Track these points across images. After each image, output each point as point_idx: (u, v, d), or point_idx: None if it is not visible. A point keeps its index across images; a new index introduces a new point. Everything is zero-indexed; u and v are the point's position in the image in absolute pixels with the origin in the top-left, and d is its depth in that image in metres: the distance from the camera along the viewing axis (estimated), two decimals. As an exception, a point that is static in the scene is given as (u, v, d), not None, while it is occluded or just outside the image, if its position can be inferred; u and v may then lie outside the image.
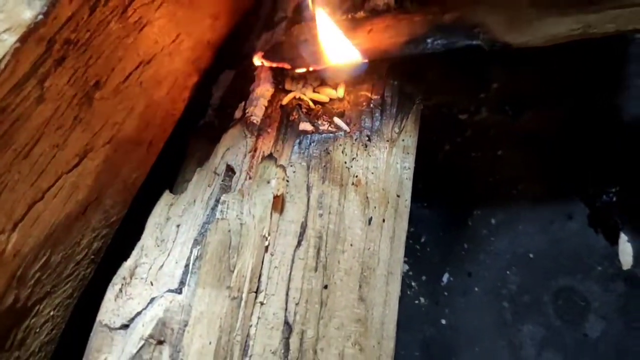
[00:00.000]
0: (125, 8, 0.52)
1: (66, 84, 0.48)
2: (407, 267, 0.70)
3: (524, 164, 0.76)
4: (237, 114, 0.61)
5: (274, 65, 0.61)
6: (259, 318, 0.49)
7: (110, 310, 0.50)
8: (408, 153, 0.60)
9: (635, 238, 0.70)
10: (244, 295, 0.49)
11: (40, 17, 0.43)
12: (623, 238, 0.71)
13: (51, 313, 0.53)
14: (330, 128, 0.58)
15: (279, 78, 0.63)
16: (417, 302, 0.68)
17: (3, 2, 0.42)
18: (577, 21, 0.57)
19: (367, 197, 0.55)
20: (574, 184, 0.74)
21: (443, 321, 0.68)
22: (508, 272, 0.70)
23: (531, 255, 0.71)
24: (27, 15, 0.43)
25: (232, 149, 0.57)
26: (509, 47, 0.58)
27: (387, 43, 0.61)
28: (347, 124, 0.58)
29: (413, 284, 0.69)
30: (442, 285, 0.69)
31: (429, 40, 0.59)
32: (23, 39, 0.43)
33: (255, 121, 0.58)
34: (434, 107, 0.77)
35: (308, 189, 0.54)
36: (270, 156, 0.55)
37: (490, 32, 0.58)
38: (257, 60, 0.62)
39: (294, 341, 0.49)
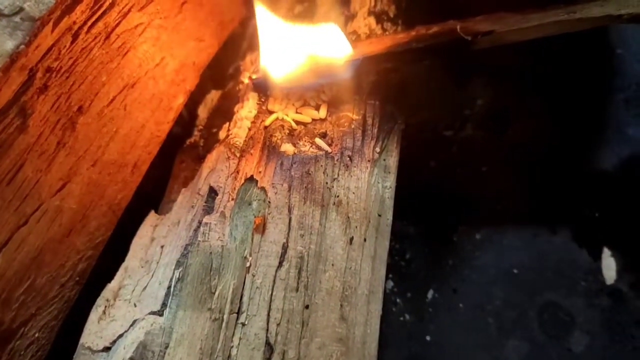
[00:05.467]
0: (109, 34, 0.53)
1: (49, 110, 0.49)
2: (392, 283, 0.71)
3: (508, 180, 0.76)
4: (222, 134, 0.62)
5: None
6: (240, 339, 0.49)
7: (94, 332, 0.50)
8: (389, 172, 0.60)
9: (618, 253, 0.71)
10: (225, 317, 0.49)
11: (22, 47, 0.44)
12: (606, 253, 0.71)
13: (36, 335, 0.53)
14: (311, 149, 0.59)
15: (262, 99, 0.64)
16: (402, 318, 0.69)
17: (-16, 34, 0.43)
18: (562, 10, 0.58)
19: (348, 217, 0.56)
20: (558, 199, 0.75)
21: (428, 337, 0.68)
22: (493, 288, 0.70)
23: (516, 271, 0.71)
24: (9, 45, 0.44)
25: (216, 170, 0.58)
26: (492, 34, 0.58)
27: (371, 49, 0.61)
28: (329, 145, 0.59)
29: (398, 300, 0.70)
30: (427, 302, 0.70)
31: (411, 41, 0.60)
32: (5, 69, 0.44)
33: (238, 143, 0.59)
34: (419, 125, 0.78)
35: (289, 209, 0.55)
36: (251, 178, 0.55)
37: (472, 28, 0.58)
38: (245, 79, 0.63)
39: (275, 361, 0.49)
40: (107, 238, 0.59)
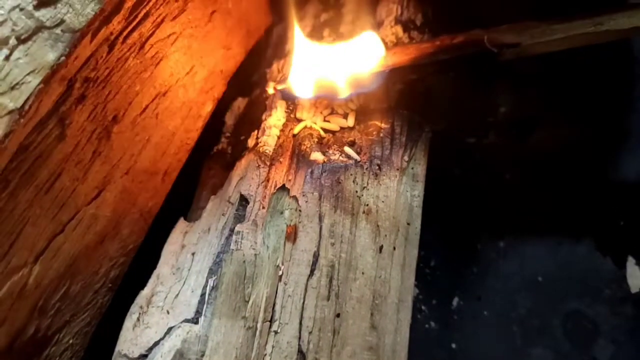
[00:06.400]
0: (143, 44, 0.54)
1: (86, 119, 0.50)
2: (417, 291, 0.71)
3: (531, 187, 0.77)
4: (250, 142, 0.63)
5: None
6: (273, 347, 0.50)
7: (129, 339, 0.51)
8: (417, 181, 0.61)
9: (643, 261, 0.71)
10: (258, 325, 0.50)
11: (63, 58, 0.45)
12: (631, 261, 0.71)
13: (70, 341, 0.54)
14: (341, 157, 0.59)
15: (290, 107, 0.64)
16: (427, 326, 0.69)
17: (28, 46, 0.43)
18: (589, 22, 0.57)
19: (377, 226, 0.56)
20: (582, 207, 0.75)
21: (453, 345, 0.68)
22: (517, 296, 0.70)
23: (540, 279, 0.71)
24: (51, 57, 0.44)
25: (246, 178, 0.59)
26: (517, 46, 0.58)
27: (396, 60, 0.61)
28: (358, 153, 0.59)
29: (423, 307, 0.70)
30: (452, 309, 0.70)
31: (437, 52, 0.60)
32: (46, 80, 0.44)
33: (267, 151, 0.60)
34: (443, 132, 0.78)
35: (320, 218, 0.55)
36: (283, 187, 0.56)
37: (499, 40, 0.58)
38: (271, 89, 0.63)
39: (307, 370, 0.50)
40: (138, 245, 0.60)
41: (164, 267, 0.57)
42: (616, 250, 0.72)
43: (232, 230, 0.55)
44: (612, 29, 0.57)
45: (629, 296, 0.70)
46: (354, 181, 0.57)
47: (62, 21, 0.45)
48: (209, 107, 0.66)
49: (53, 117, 0.47)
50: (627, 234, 0.73)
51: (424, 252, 0.73)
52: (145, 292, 0.54)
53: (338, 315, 0.52)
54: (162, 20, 0.55)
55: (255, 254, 0.52)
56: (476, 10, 0.70)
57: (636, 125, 0.79)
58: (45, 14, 0.44)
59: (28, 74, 0.43)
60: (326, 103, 0.64)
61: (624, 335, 0.68)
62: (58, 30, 0.45)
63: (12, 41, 0.43)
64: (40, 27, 0.44)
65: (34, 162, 0.46)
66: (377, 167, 0.59)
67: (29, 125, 0.44)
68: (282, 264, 0.52)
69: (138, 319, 0.52)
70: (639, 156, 0.77)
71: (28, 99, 0.43)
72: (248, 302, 0.50)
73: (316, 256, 0.54)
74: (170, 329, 0.50)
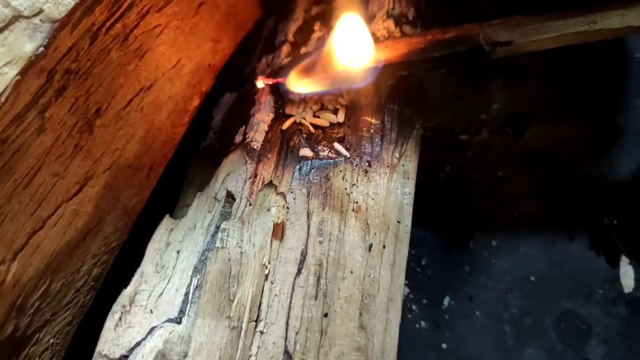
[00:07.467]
0: (127, 36, 0.53)
1: (67, 113, 0.48)
2: (407, 290, 0.70)
3: (524, 185, 0.76)
4: (238, 138, 0.61)
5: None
6: (258, 347, 0.49)
7: (110, 339, 0.50)
8: (408, 178, 0.60)
9: (637, 261, 0.70)
10: (243, 325, 0.49)
11: (41, 49, 0.43)
12: (624, 261, 0.70)
13: (50, 341, 0.53)
14: (330, 154, 0.58)
15: (279, 102, 0.63)
16: (417, 325, 0.68)
17: (5, 36, 0.42)
18: (583, 20, 0.57)
19: (367, 224, 0.55)
20: (575, 206, 0.74)
21: (444, 345, 0.67)
22: (509, 295, 0.70)
23: (532, 278, 0.70)
24: (28, 48, 0.43)
25: (233, 174, 0.57)
26: (510, 44, 0.57)
27: (387, 55, 0.60)
28: (347, 150, 0.58)
29: (414, 307, 0.69)
30: (443, 309, 0.69)
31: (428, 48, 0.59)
32: (24, 72, 0.43)
33: (255, 147, 0.58)
34: (435, 129, 0.77)
35: (308, 216, 0.54)
36: (270, 183, 0.55)
37: (491, 37, 0.57)
38: (261, 83, 0.62)
39: (294, 371, 0.48)
40: (122, 242, 0.59)
41: (148, 266, 0.55)
42: (610, 249, 0.72)
43: (217, 228, 0.53)
44: (605, 27, 0.57)
45: (621, 296, 0.69)
46: (343, 178, 0.56)
47: (41, 10, 0.44)
48: (196, 102, 0.64)
49: (32, 109, 0.45)
50: (621, 233, 0.72)
51: (415, 250, 0.72)
52: (128, 290, 0.53)
53: (326, 315, 0.51)
54: (147, 12, 0.54)
55: (241, 252, 0.51)
56: (470, 4, 0.69)
57: (631, 124, 0.78)
58: (22, 3, 0.43)
59: (4, 64, 0.42)
60: (316, 98, 0.62)
61: (616, 336, 0.67)
62: (36, 20, 0.44)
63: (-13, 30, 0.41)
64: (17, 17, 0.43)
65: (12, 155, 0.44)
66: (367, 164, 0.58)
67: (6, 117, 0.43)
68: (269, 263, 0.51)
69: (120, 319, 0.51)
70: (633, 154, 0.76)
71: (4, 90, 0.42)
72: (233, 301, 0.49)
73: (304, 254, 0.52)
74: (152, 329, 0.49)
